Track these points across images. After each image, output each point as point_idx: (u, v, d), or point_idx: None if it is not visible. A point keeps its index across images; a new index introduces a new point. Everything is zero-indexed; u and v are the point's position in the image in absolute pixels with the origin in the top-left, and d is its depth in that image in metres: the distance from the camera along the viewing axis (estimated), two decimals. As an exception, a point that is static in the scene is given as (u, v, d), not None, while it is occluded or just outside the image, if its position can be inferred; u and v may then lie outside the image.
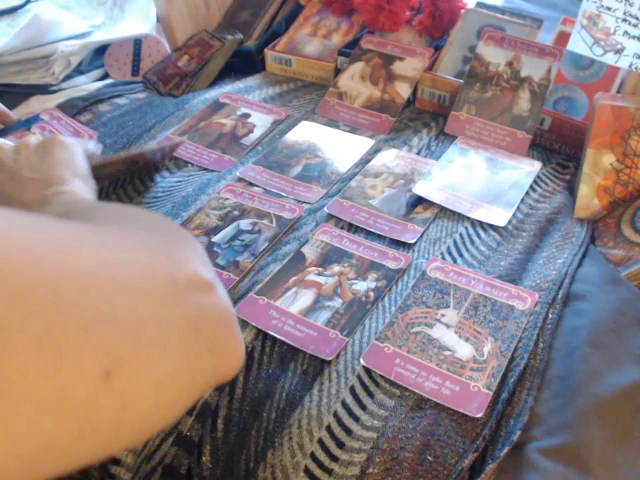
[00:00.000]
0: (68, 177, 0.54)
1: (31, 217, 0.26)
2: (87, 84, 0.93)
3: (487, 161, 0.76)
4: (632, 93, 0.76)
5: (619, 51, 0.71)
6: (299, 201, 0.71)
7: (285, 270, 0.61)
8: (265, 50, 0.95)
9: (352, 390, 0.51)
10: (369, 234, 0.66)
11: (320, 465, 0.46)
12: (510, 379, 0.51)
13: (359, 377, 0.52)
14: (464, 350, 0.53)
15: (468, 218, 0.68)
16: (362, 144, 0.80)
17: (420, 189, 0.71)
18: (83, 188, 0.54)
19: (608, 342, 0.53)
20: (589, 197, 0.70)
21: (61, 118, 0.80)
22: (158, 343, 0.26)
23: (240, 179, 0.74)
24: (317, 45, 0.96)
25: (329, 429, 0.48)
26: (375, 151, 0.79)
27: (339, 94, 0.87)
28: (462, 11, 0.93)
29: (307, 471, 0.46)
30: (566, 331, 0.56)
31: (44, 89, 0.90)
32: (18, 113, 0.85)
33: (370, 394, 0.50)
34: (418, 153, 0.79)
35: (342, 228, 0.67)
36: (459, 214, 0.68)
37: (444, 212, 0.69)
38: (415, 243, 0.65)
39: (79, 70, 0.95)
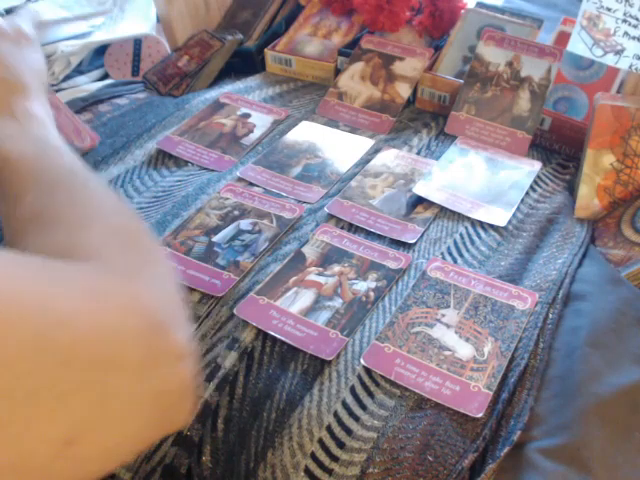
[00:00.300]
0: (36, 91, 0.50)
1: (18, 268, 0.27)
2: (87, 84, 0.93)
3: (487, 161, 0.76)
4: (632, 93, 0.76)
5: (619, 52, 0.71)
6: (299, 201, 0.71)
7: (285, 270, 0.61)
8: (265, 50, 0.95)
9: (352, 390, 0.51)
10: (369, 234, 0.66)
11: (320, 465, 0.46)
12: (510, 379, 0.51)
13: (359, 377, 0.52)
14: (464, 350, 0.53)
15: (468, 218, 0.68)
16: (362, 144, 0.80)
17: (420, 189, 0.71)
18: (44, 110, 0.50)
19: (608, 342, 0.53)
20: (589, 197, 0.70)
21: (60, 110, 0.78)
22: (120, 415, 0.27)
23: (240, 179, 0.74)
24: (317, 45, 0.96)
25: (329, 429, 0.48)
26: (375, 151, 0.79)
27: (339, 94, 0.87)
28: (462, 11, 0.93)
29: (307, 471, 0.46)
30: (566, 331, 0.56)
31: (44, 89, 0.90)
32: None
33: (370, 394, 0.50)
34: (418, 153, 0.79)
35: (342, 228, 0.67)
36: (459, 214, 0.68)
37: (444, 212, 0.69)
38: (415, 243, 0.65)
39: (79, 70, 0.95)
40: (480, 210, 0.69)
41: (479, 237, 0.66)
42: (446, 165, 0.75)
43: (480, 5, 0.96)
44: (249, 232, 0.65)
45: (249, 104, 0.87)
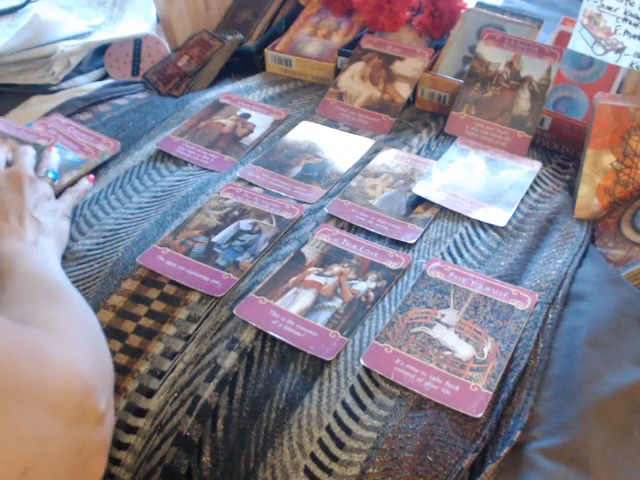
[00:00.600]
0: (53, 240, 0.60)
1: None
2: (87, 84, 0.93)
3: (487, 161, 0.76)
4: (632, 93, 0.76)
5: (620, 50, 0.71)
6: (299, 201, 0.71)
7: (285, 270, 0.61)
8: (265, 50, 0.95)
9: (352, 390, 0.51)
10: (369, 234, 0.66)
11: (320, 465, 0.46)
12: (510, 379, 0.51)
13: (359, 377, 0.52)
14: (464, 350, 0.53)
15: (468, 218, 0.68)
16: (362, 144, 0.80)
17: (420, 189, 0.71)
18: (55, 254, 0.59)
19: (608, 342, 0.53)
20: (589, 197, 0.70)
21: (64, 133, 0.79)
22: (57, 454, 0.34)
23: (240, 179, 0.74)
24: (317, 45, 0.96)
25: (329, 429, 0.48)
26: (375, 151, 0.79)
27: (339, 94, 0.87)
28: (462, 11, 0.93)
29: (307, 471, 0.46)
30: (566, 331, 0.55)
31: (44, 89, 0.90)
32: (18, 113, 0.85)
33: (370, 394, 0.50)
34: (418, 153, 0.79)
35: (342, 228, 0.67)
36: (459, 214, 0.68)
37: (444, 212, 0.69)
38: (415, 243, 0.65)
39: (79, 70, 0.95)
40: (480, 210, 0.69)
41: (479, 237, 0.66)
42: (446, 165, 0.75)
43: (480, 5, 0.96)
44: (249, 232, 0.65)
45: (249, 104, 0.87)
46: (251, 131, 0.82)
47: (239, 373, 0.52)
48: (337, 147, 0.79)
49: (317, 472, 0.46)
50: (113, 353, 0.54)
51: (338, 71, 0.91)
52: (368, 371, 0.52)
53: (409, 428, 0.48)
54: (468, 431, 0.48)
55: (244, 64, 0.97)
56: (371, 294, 0.59)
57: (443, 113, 0.85)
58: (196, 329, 0.56)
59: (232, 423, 0.49)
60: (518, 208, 0.69)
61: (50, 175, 0.66)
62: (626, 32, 0.71)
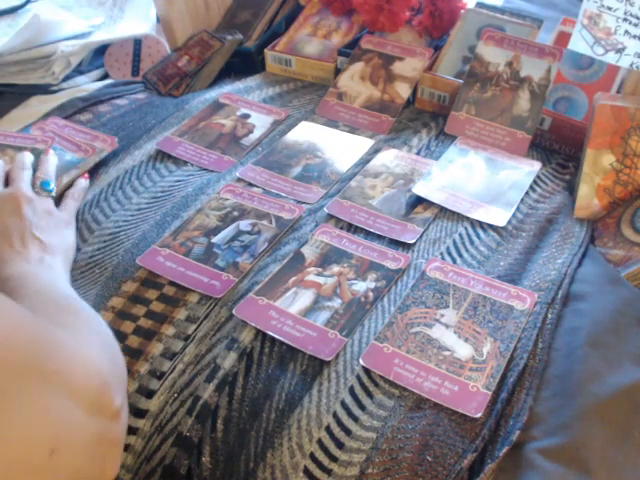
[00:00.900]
0: (60, 255, 0.60)
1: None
2: (87, 84, 0.93)
3: (487, 161, 0.76)
4: (632, 93, 0.76)
5: (620, 50, 0.71)
6: (299, 201, 0.71)
7: (285, 270, 0.61)
8: (265, 50, 0.95)
9: (351, 390, 0.51)
10: (369, 234, 0.66)
11: (319, 465, 0.46)
12: (509, 379, 0.51)
13: (358, 377, 0.52)
14: (463, 350, 0.53)
15: (468, 218, 0.68)
16: (362, 144, 0.80)
17: (420, 189, 0.71)
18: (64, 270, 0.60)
19: (608, 342, 0.53)
20: (589, 197, 0.70)
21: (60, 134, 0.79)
22: (80, 442, 0.35)
23: (240, 179, 0.74)
24: (317, 45, 0.96)
25: (328, 429, 0.48)
26: (375, 151, 0.79)
27: (339, 94, 0.87)
28: (462, 11, 0.93)
29: (307, 471, 0.46)
30: (566, 331, 0.56)
31: (44, 89, 0.90)
32: (18, 113, 0.85)
33: (369, 394, 0.50)
34: (418, 153, 0.79)
35: (342, 228, 0.67)
36: (459, 214, 0.68)
37: (444, 212, 0.69)
38: (415, 243, 0.65)
39: (79, 70, 0.95)
40: (479, 210, 0.69)
41: (478, 237, 0.66)
42: (446, 165, 0.75)
43: (480, 5, 0.96)
44: (248, 233, 0.65)
45: (249, 104, 0.87)
46: (251, 131, 0.82)
47: (239, 373, 0.52)
48: (337, 147, 0.79)
49: (316, 472, 0.46)
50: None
51: (338, 71, 0.91)
52: (367, 371, 0.52)
53: (408, 428, 0.48)
54: (467, 431, 0.48)
55: (244, 64, 0.97)
56: (370, 294, 0.59)
57: (443, 113, 0.85)
58: (195, 329, 0.56)
59: (232, 423, 0.49)
60: (518, 208, 0.69)
61: (46, 188, 0.67)
62: (626, 32, 0.71)
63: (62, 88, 0.91)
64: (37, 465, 0.32)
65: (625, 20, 0.71)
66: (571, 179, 0.75)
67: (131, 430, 0.50)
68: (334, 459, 0.47)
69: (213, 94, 0.90)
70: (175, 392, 0.52)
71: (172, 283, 0.60)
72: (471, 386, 0.50)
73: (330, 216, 0.68)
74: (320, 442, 0.47)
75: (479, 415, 0.48)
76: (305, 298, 0.58)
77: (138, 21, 0.99)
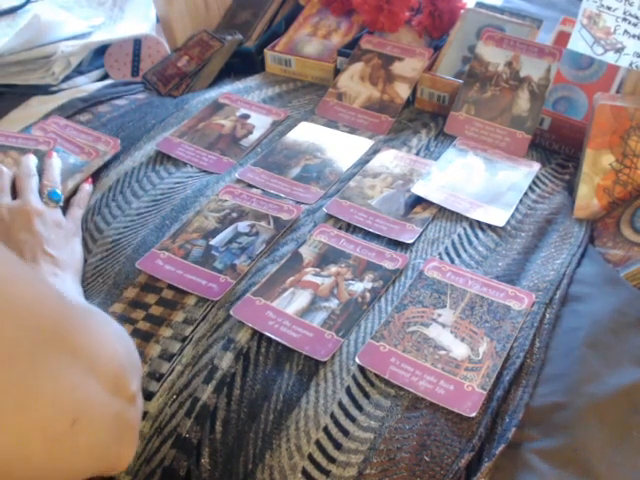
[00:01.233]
0: (69, 267, 0.60)
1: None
2: (87, 84, 0.93)
3: (486, 162, 0.76)
4: (631, 93, 0.76)
5: (619, 50, 0.71)
6: (297, 202, 0.71)
7: (282, 271, 0.61)
8: (265, 50, 0.95)
9: (348, 391, 0.51)
10: (367, 234, 0.66)
11: (318, 466, 0.46)
12: (505, 377, 0.51)
13: (354, 377, 0.52)
14: (459, 350, 0.53)
15: (467, 218, 0.68)
16: (361, 144, 0.80)
17: (419, 189, 0.71)
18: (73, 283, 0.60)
19: (607, 342, 0.53)
20: (589, 197, 0.69)
21: (61, 135, 0.79)
22: (99, 417, 0.36)
23: (239, 180, 0.74)
24: (317, 45, 0.96)
25: (326, 430, 0.48)
26: (374, 152, 0.79)
27: (338, 94, 0.87)
28: (462, 11, 0.93)
29: (305, 472, 0.46)
30: (565, 331, 0.55)
31: (44, 89, 0.90)
32: (18, 114, 0.85)
33: (366, 394, 0.50)
34: (417, 154, 0.79)
35: (340, 228, 0.67)
36: (458, 215, 0.68)
37: (443, 212, 0.69)
38: (413, 243, 0.65)
39: (79, 70, 0.95)
40: (479, 210, 0.69)
41: (477, 237, 0.66)
42: (445, 165, 0.75)
43: (480, 5, 0.96)
44: (246, 234, 0.65)
45: (248, 105, 0.87)
46: (250, 132, 0.82)
47: (236, 374, 0.52)
48: (336, 147, 0.79)
49: (315, 473, 0.46)
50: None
51: (338, 71, 0.91)
52: (363, 371, 0.52)
53: (405, 428, 0.48)
54: (464, 430, 0.48)
55: (244, 64, 0.97)
56: (367, 294, 0.59)
57: (442, 113, 0.85)
58: (192, 331, 0.56)
59: (230, 425, 0.49)
60: (517, 208, 0.69)
61: (54, 198, 0.67)
62: (625, 32, 0.71)
63: (62, 88, 0.91)
64: (59, 432, 0.32)
65: (624, 20, 0.71)
66: (570, 179, 0.75)
67: (130, 431, 0.50)
68: (332, 460, 0.47)
69: (213, 94, 0.90)
70: (174, 394, 0.52)
71: (170, 286, 0.60)
72: (466, 385, 0.50)
73: (329, 216, 0.68)
74: (318, 443, 0.48)
75: (473, 415, 0.48)
76: (302, 299, 0.58)
77: (138, 21, 0.99)
